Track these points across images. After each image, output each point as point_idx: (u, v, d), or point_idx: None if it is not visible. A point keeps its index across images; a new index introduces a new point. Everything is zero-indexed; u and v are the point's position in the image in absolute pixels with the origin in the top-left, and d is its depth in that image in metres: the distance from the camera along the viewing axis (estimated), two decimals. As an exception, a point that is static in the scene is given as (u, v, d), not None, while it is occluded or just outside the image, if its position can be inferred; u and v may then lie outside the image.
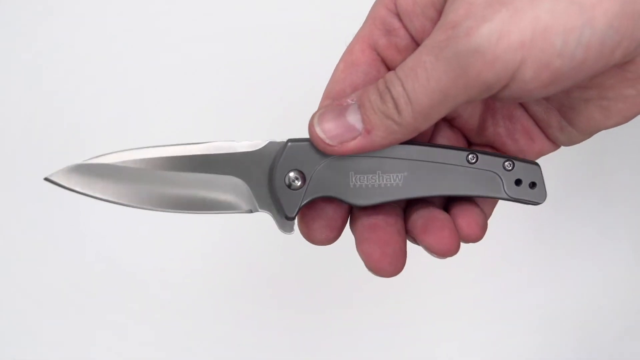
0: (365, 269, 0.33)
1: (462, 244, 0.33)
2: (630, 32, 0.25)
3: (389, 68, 0.32)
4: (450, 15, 0.25)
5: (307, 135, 0.30)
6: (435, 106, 0.26)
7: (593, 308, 0.63)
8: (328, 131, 0.29)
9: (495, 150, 0.33)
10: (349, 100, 0.29)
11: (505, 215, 0.64)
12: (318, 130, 0.29)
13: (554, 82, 0.26)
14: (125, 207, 0.30)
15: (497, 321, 0.62)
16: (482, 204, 0.33)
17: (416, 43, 0.31)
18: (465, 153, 0.31)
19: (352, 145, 0.28)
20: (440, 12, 0.28)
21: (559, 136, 0.32)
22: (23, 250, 0.59)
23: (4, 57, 0.59)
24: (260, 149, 0.31)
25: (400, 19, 0.31)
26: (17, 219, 0.60)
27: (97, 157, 0.30)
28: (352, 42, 0.32)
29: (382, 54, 0.32)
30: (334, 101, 0.30)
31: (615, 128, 0.62)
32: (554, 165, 0.64)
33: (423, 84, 0.26)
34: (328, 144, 0.29)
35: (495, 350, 0.62)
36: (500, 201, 0.34)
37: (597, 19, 0.24)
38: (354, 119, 0.28)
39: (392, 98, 0.27)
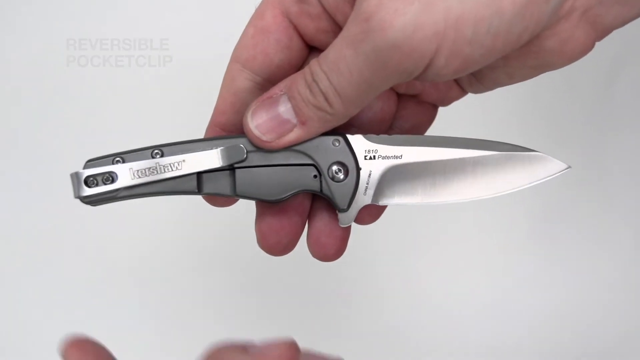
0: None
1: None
2: (536, 17, 0.26)
3: (301, 35, 0.32)
4: (363, 5, 0.26)
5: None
6: (363, 94, 0.28)
7: (593, 308, 0.63)
8: (262, 126, 0.29)
9: (419, 98, 0.35)
10: (278, 91, 0.29)
11: (506, 216, 0.65)
12: (253, 128, 0.29)
13: (465, 68, 0.27)
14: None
15: (496, 321, 0.62)
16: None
17: (328, 13, 0.31)
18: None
19: (290, 138, 0.29)
20: None
21: (467, 87, 0.34)
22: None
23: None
24: None
25: None
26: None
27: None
28: (262, 5, 0.31)
29: (294, 21, 0.31)
30: (263, 95, 0.30)
31: (615, 129, 0.63)
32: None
33: (347, 78, 0.27)
34: (266, 141, 0.29)
35: (495, 350, 0.62)
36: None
37: (505, 8, 0.25)
38: (286, 110, 0.29)
39: (321, 91, 0.28)
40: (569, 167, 0.33)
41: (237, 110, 0.32)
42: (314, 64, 0.28)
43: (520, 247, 0.64)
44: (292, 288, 0.62)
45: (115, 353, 0.29)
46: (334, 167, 0.31)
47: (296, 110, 0.29)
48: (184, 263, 0.61)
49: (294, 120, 0.29)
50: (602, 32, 0.29)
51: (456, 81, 0.34)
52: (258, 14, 0.31)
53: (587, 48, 0.29)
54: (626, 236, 0.63)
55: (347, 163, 0.31)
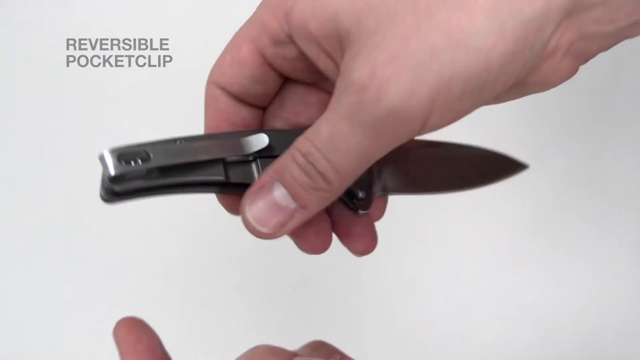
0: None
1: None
2: (521, 64, 0.26)
3: (276, 71, 0.31)
4: (354, 74, 0.25)
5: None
6: (361, 165, 0.27)
7: (593, 307, 0.63)
8: (264, 222, 0.28)
9: None
10: (268, 179, 0.28)
11: (506, 215, 0.65)
12: (255, 225, 0.28)
13: (456, 119, 0.27)
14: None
15: (496, 320, 0.62)
16: None
17: (306, 58, 0.30)
18: None
19: (292, 224, 0.28)
20: (337, 49, 0.27)
21: None
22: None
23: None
24: None
25: (292, 38, 0.29)
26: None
27: None
28: (240, 35, 0.31)
29: (269, 60, 0.30)
30: (254, 186, 0.29)
31: (617, 127, 0.63)
32: (555, 165, 0.65)
33: (345, 153, 0.26)
34: (267, 233, 0.28)
35: (494, 350, 0.62)
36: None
37: (493, 63, 0.25)
38: (282, 198, 0.28)
39: (319, 172, 0.27)
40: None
41: (231, 124, 0.32)
42: (304, 143, 0.27)
43: (522, 247, 0.64)
44: (294, 289, 0.62)
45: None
46: None
47: (294, 195, 0.28)
48: (188, 263, 0.61)
49: (293, 206, 0.28)
50: (585, 60, 0.29)
51: None
52: (236, 44, 0.31)
53: (571, 75, 0.29)
54: (628, 237, 0.63)
55: None
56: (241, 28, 0.31)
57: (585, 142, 0.64)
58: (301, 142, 0.27)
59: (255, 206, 0.28)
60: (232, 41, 0.31)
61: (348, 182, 0.28)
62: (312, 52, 0.29)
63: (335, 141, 0.26)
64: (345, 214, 0.33)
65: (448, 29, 0.24)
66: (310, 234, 0.32)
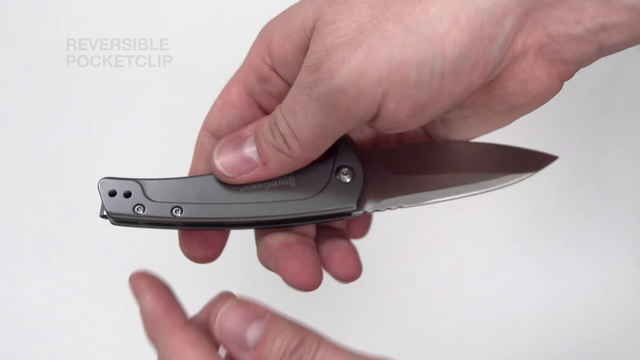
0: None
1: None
2: (482, 56, 0.27)
3: (264, 111, 0.33)
4: (312, 57, 0.27)
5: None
6: (319, 139, 0.29)
7: (593, 306, 0.62)
8: (227, 164, 0.31)
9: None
10: (247, 132, 0.31)
11: (505, 213, 0.65)
12: (217, 163, 0.31)
13: (419, 112, 0.28)
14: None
15: (497, 320, 0.62)
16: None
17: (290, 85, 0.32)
18: None
19: (250, 176, 0.31)
20: None
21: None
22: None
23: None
24: None
25: (275, 69, 0.32)
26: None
27: None
28: (231, 80, 0.33)
29: (257, 99, 0.33)
30: (233, 133, 0.32)
31: (617, 126, 0.63)
32: (556, 164, 0.65)
33: (303, 121, 0.28)
34: (227, 176, 0.31)
35: (494, 350, 0.62)
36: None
37: (447, 50, 0.26)
38: (250, 151, 0.31)
39: (281, 134, 0.29)
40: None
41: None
42: (277, 108, 0.30)
43: (523, 247, 0.64)
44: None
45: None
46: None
47: (259, 150, 0.31)
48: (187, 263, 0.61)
49: (257, 160, 0.31)
50: (565, 69, 0.29)
51: (429, 137, 0.35)
52: (227, 88, 0.33)
53: (552, 86, 0.29)
54: (630, 238, 0.63)
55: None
56: (235, 73, 0.33)
57: (587, 141, 0.64)
58: (276, 107, 0.30)
59: (224, 152, 0.31)
60: (225, 87, 0.34)
61: (307, 152, 0.30)
62: (295, 72, 0.30)
63: (294, 109, 0.28)
64: (328, 240, 0.35)
65: (401, 18, 0.26)
66: (295, 266, 0.34)
